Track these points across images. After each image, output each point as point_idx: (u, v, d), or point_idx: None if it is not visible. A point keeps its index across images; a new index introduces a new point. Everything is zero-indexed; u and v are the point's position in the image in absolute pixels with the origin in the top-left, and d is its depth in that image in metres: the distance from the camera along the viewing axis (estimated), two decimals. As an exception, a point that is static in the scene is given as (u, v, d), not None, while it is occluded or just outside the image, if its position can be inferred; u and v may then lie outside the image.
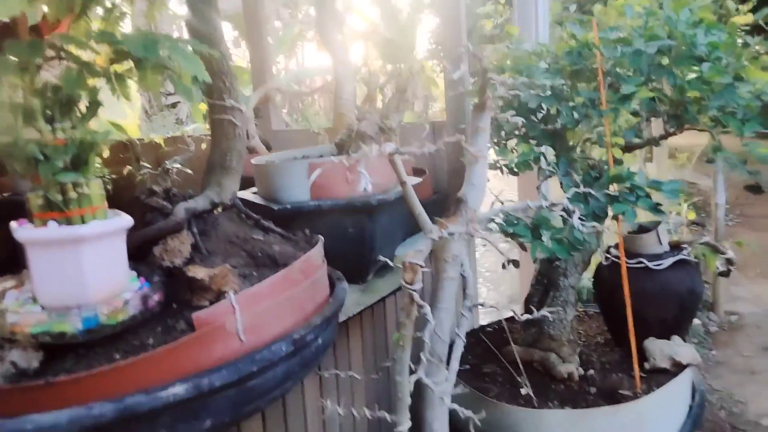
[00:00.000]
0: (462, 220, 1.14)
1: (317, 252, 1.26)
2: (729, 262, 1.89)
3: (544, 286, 1.98)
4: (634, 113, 1.70)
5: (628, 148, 1.94)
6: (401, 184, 1.15)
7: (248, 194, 1.77)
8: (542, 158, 1.76)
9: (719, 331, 4.43)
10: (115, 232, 0.99)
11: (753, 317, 4.52)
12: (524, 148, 1.70)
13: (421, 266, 0.95)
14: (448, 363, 1.23)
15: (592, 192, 1.23)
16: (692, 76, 1.57)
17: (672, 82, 1.56)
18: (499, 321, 2.16)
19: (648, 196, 1.51)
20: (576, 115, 1.65)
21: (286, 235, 1.33)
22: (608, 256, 1.95)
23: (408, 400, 1.00)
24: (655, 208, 1.50)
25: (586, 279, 3.65)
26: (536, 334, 1.87)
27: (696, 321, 4.28)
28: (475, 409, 1.70)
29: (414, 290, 0.94)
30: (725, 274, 1.94)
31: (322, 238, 1.34)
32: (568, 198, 1.09)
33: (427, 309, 0.91)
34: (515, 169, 1.77)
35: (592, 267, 2.13)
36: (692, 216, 5.40)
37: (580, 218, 1.09)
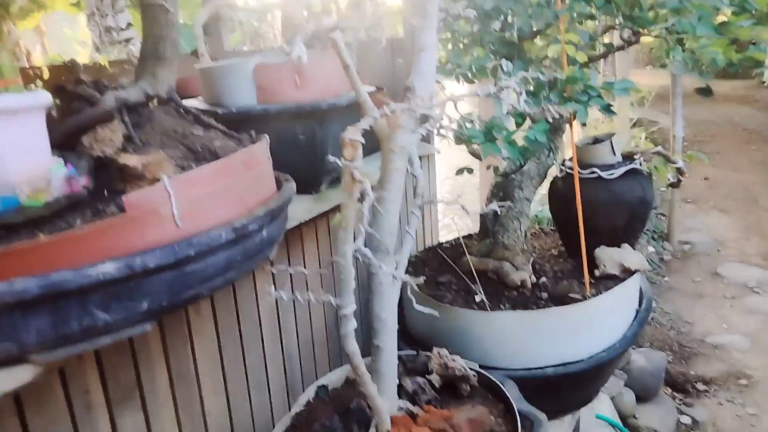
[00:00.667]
0: (408, 105, 1.11)
1: (261, 147, 1.22)
2: (679, 171, 1.93)
3: (500, 199, 1.99)
4: (591, 17, 1.67)
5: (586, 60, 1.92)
6: (344, 68, 1.10)
7: (191, 102, 1.69)
8: (500, 69, 1.73)
9: (673, 259, 4.61)
10: (31, 108, 0.92)
11: (704, 246, 4.72)
12: (479, 52, 1.65)
13: (362, 143, 0.92)
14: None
15: (540, 76, 1.20)
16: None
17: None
18: (457, 238, 2.18)
19: (600, 96, 1.50)
20: (534, 26, 1.61)
21: (228, 132, 1.28)
22: (563, 168, 1.96)
23: (352, 283, 1.00)
24: (607, 108, 1.50)
25: (546, 209, 3.72)
26: (491, 245, 1.89)
27: (651, 249, 4.44)
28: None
29: (354, 167, 0.91)
30: (675, 185, 1.99)
31: (268, 137, 1.29)
32: (516, 83, 1.07)
33: (367, 184, 0.89)
34: (471, 77, 1.73)
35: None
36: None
37: (526, 101, 1.07)
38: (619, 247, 1.88)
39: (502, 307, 1.68)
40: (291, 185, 1.30)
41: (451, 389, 1.32)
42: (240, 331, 1.49)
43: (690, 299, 4.15)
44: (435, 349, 1.35)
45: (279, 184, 1.31)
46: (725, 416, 3.15)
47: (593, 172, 1.86)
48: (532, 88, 1.52)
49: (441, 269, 1.96)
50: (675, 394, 3.34)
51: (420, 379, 1.29)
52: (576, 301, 1.69)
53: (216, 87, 1.56)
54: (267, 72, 1.49)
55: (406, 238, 1.25)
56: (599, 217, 1.86)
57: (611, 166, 1.86)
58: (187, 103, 1.67)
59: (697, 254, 4.67)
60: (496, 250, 1.87)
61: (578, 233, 1.93)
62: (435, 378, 1.31)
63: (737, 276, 4.28)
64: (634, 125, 6.46)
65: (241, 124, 1.49)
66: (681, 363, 3.58)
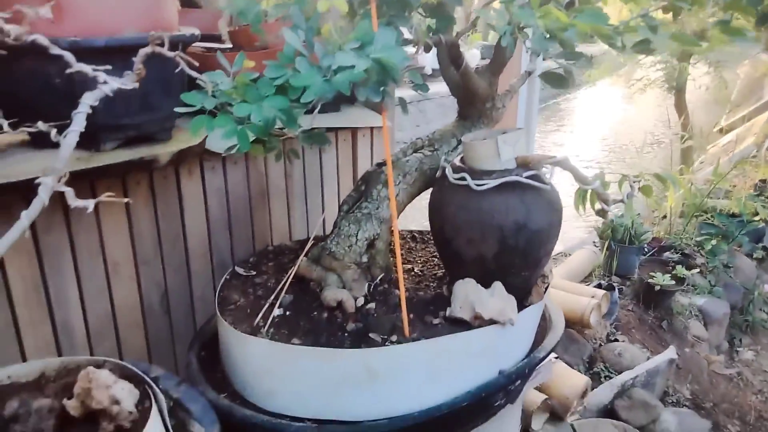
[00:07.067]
0: None
1: None
2: (602, 199, 1.33)
3: (360, 193, 1.57)
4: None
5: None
6: None
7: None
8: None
9: None
10: None
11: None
12: None
13: None
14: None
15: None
16: None
17: None
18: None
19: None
20: None
21: None
22: (444, 165, 1.47)
23: None
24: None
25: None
26: (321, 249, 1.49)
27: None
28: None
29: None
30: (602, 213, 1.39)
31: None
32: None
33: None
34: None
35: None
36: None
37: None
38: (489, 284, 1.38)
39: (291, 331, 1.30)
40: None
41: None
42: None
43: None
44: (89, 368, 1.04)
45: None
46: None
47: (462, 178, 1.36)
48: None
49: (281, 270, 1.60)
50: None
51: (43, 402, 1.00)
52: (373, 343, 1.25)
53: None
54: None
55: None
56: (460, 239, 1.37)
57: (488, 174, 1.34)
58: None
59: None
60: (323, 256, 1.47)
61: (450, 254, 1.47)
62: (73, 405, 1.01)
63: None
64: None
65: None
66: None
